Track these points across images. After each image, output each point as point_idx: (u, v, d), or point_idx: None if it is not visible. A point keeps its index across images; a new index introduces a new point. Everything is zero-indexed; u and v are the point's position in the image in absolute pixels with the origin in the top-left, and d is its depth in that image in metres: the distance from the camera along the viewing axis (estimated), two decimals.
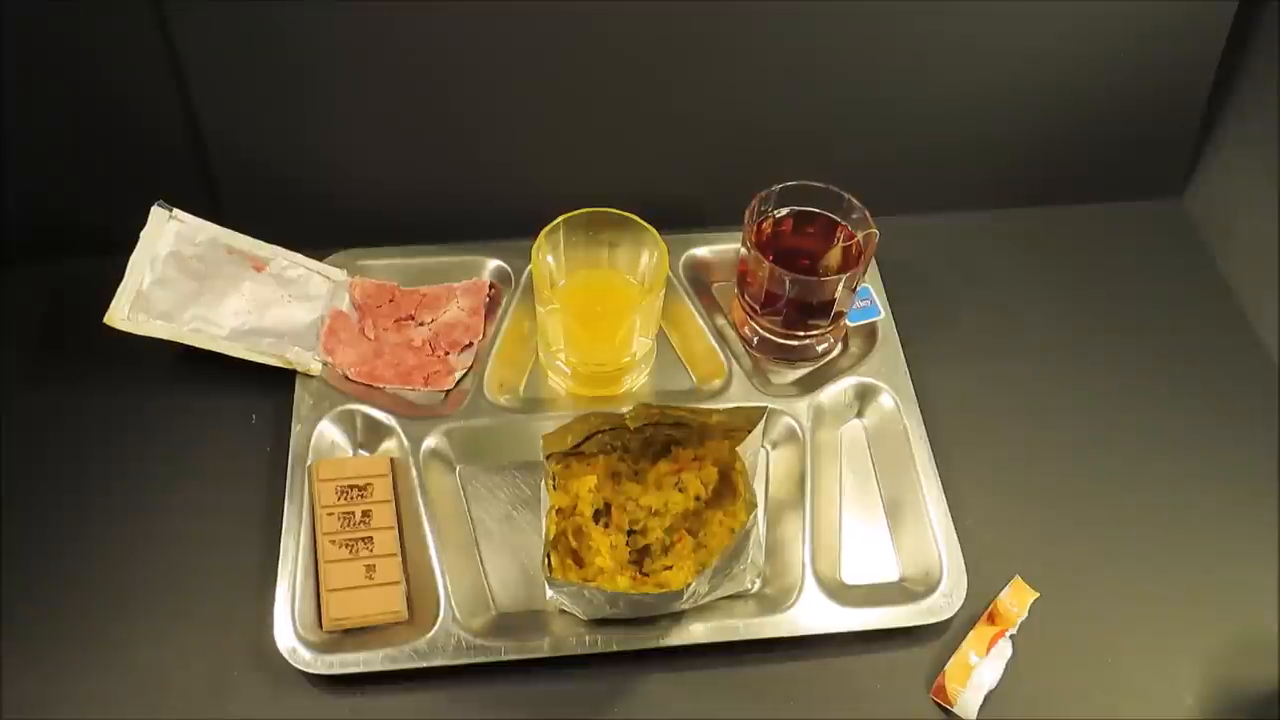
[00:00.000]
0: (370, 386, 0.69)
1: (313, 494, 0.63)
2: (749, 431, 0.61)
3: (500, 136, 0.75)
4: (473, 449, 0.67)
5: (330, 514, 0.62)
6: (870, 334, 0.73)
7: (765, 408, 0.62)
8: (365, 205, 0.77)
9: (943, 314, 0.77)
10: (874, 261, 0.74)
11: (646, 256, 0.68)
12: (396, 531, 0.63)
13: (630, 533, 0.61)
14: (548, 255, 0.67)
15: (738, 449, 0.61)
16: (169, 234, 0.68)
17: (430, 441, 0.66)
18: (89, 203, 0.75)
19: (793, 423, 0.68)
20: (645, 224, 0.66)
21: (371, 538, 0.62)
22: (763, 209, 0.69)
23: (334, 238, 0.75)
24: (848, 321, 0.72)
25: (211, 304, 0.69)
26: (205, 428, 0.69)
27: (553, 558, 0.57)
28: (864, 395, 0.71)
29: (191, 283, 0.69)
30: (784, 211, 0.69)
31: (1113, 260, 0.82)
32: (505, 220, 0.73)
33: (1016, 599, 0.62)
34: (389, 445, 0.67)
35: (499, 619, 0.61)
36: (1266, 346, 0.76)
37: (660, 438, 0.63)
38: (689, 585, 0.54)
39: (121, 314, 0.66)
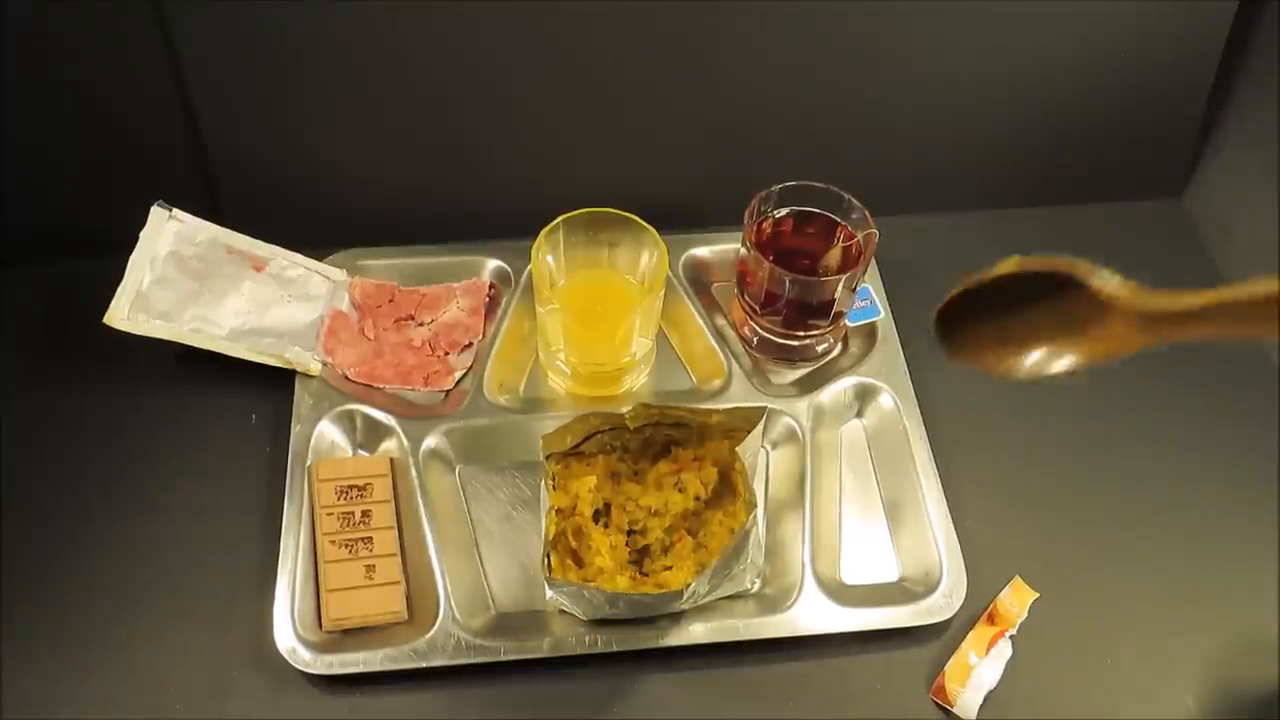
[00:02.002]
0: (370, 386, 0.69)
1: (312, 494, 0.63)
2: (749, 432, 0.61)
3: (500, 136, 0.75)
4: (472, 449, 0.67)
5: (330, 514, 0.62)
6: (870, 334, 0.73)
7: (765, 408, 0.62)
8: (365, 205, 0.77)
9: None
10: (874, 261, 0.74)
11: (646, 256, 0.68)
12: (396, 531, 0.63)
13: (630, 533, 0.61)
14: (547, 255, 0.67)
15: (737, 449, 0.61)
16: (169, 234, 0.68)
17: (430, 441, 0.66)
18: (89, 203, 0.75)
19: (792, 423, 0.68)
20: (645, 224, 0.66)
21: (371, 538, 0.62)
22: (763, 209, 0.69)
23: (334, 238, 0.75)
24: (847, 321, 0.72)
25: (211, 304, 0.69)
26: (205, 428, 0.69)
27: (552, 558, 0.57)
28: (864, 395, 0.71)
29: (191, 282, 0.69)
30: (784, 211, 0.69)
31: (1113, 260, 0.79)
32: (505, 220, 0.73)
33: (1016, 599, 0.62)
34: (389, 445, 0.67)
35: (498, 619, 0.61)
36: (1267, 346, 0.76)
37: (660, 438, 0.63)
38: (689, 585, 0.54)
39: (121, 314, 0.66)
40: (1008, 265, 0.35)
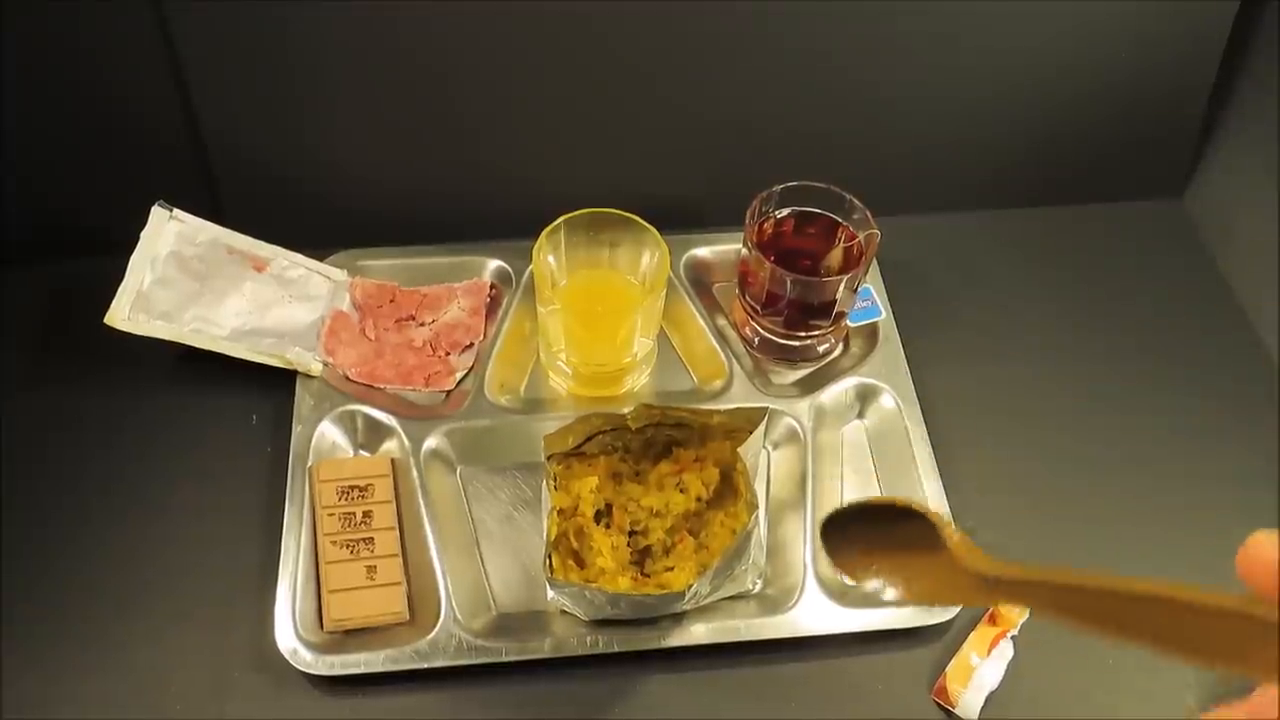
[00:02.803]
0: (371, 387, 0.69)
1: (313, 495, 0.63)
2: (750, 432, 0.61)
3: (500, 136, 0.75)
4: (474, 449, 0.67)
5: (331, 515, 0.62)
6: (871, 334, 0.73)
7: (766, 408, 0.62)
8: (365, 205, 0.77)
9: (943, 314, 0.77)
10: (875, 262, 0.74)
11: (648, 257, 0.68)
12: (397, 532, 0.63)
13: (631, 533, 0.61)
14: (549, 256, 0.67)
15: (739, 450, 0.61)
16: (169, 234, 0.68)
17: (431, 442, 0.66)
18: (89, 203, 0.75)
19: (794, 423, 0.68)
20: (646, 224, 0.66)
21: (372, 538, 0.61)
22: (764, 209, 0.69)
23: (334, 238, 0.75)
24: (849, 322, 0.72)
25: (212, 304, 0.69)
26: (205, 428, 0.68)
27: (554, 558, 0.57)
28: (865, 396, 0.71)
29: (192, 283, 0.69)
30: (785, 212, 0.69)
31: (1113, 260, 0.82)
32: (506, 220, 0.73)
33: None
34: (390, 446, 0.67)
35: (500, 620, 0.61)
36: (1266, 346, 0.76)
37: (661, 438, 0.63)
38: (690, 586, 0.54)
39: (122, 314, 0.66)
40: (881, 498, 0.41)
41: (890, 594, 0.39)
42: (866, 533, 0.39)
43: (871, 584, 0.40)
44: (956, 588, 0.33)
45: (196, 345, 0.67)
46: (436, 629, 0.58)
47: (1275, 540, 0.22)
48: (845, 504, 0.41)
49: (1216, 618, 0.23)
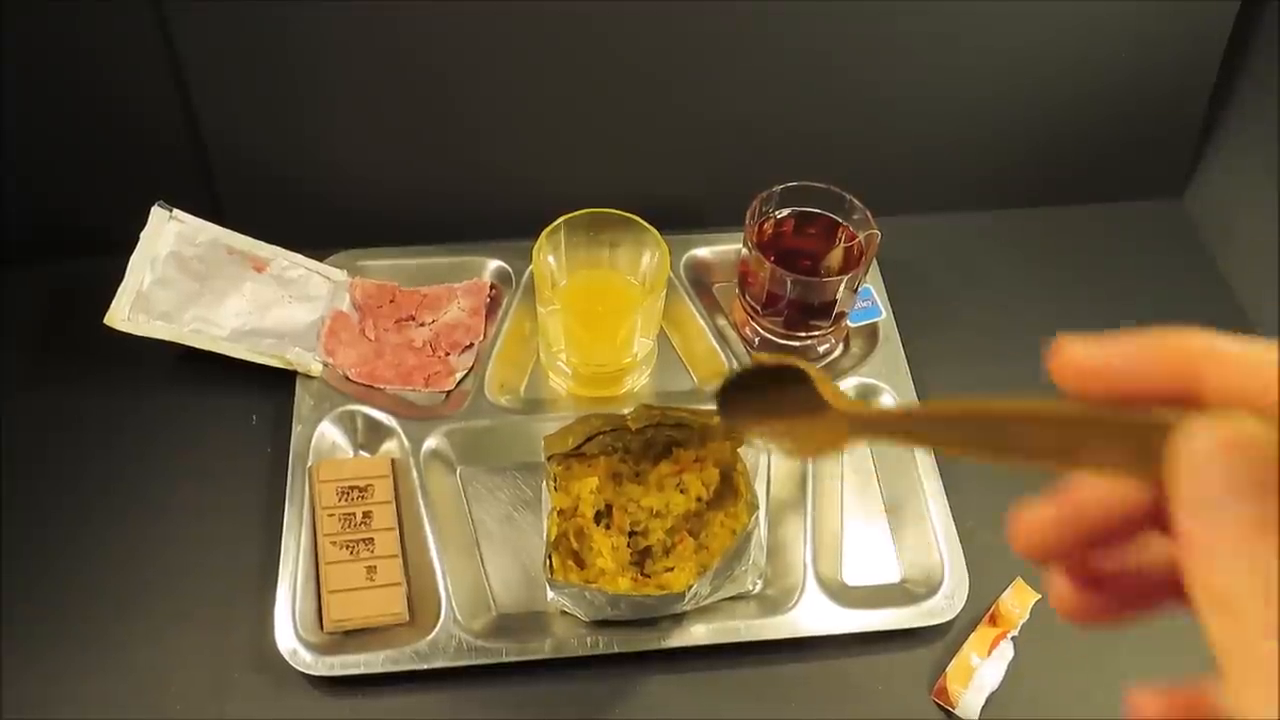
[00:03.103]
0: (371, 387, 0.69)
1: (313, 495, 0.63)
2: None
3: (500, 136, 0.75)
4: (473, 450, 0.67)
5: (331, 515, 0.62)
6: (871, 334, 0.73)
7: None
8: (365, 205, 0.77)
9: (944, 314, 0.77)
10: (875, 262, 0.74)
11: (648, 257, 0.68)
12: (397, 533, 0.63)
13: (631, 534, 0.61)
14: (549, 256, 0.67)
15: (739, 450, 0.61)
16: (169, 234, 0.68)
17: (431, 442, 0.66)
18: (89, 203, 0.75)
19: None
20: (646, 224, 0.66)
21: (372, 539, 0.61)
22: (764, 209, 0.69)
23: (334, 238, 0.75)
24: (849, 322, 0.72)
25: (212, 304, 0.69)
26: (205, 428, 0.68)
27: (554, 559, 0.57)
28: (865, 396, 0.70)
29: (192, 283, 0.68)
30: (785, 212, 0.69)
31: (1113, 260, 0.81)
32: (506, 220, 0.73)
33: (1018, 600, 0.62)
34: (390, 446, 0.67)
35: (500, 620, 0.61)
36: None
37: (661, 439, 0.63)
38: (690, 587, 0.54)
39: (122, 314, 0.66)
40: (769, 360, 0.41)
41: (776, 449, 0.42)
42: (758, 397, 0.40)
43: (760, 442, 0.42)
44: (830, 433, 0.35)
45: (196, 346, 0.67)
46: (436, 629, 0.58)
47: (1080, 342, 0.24)
48: (738, 368, 0.42)
49: (1041, 421, 0.25)
